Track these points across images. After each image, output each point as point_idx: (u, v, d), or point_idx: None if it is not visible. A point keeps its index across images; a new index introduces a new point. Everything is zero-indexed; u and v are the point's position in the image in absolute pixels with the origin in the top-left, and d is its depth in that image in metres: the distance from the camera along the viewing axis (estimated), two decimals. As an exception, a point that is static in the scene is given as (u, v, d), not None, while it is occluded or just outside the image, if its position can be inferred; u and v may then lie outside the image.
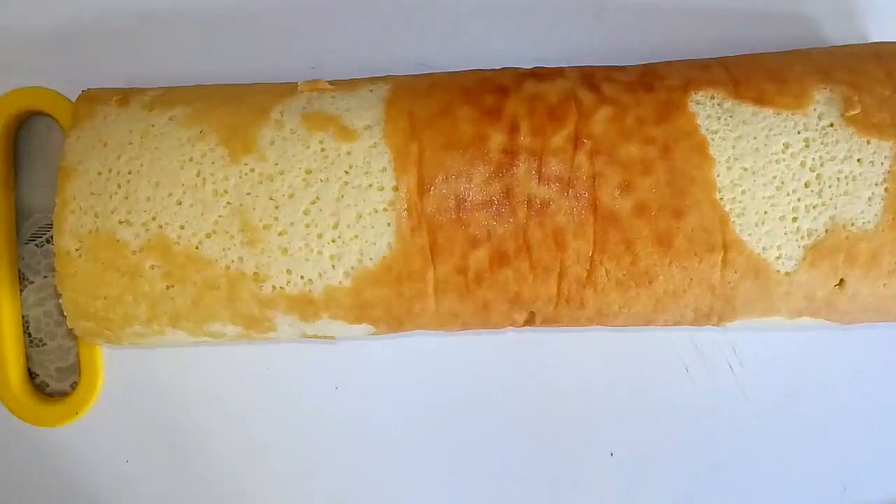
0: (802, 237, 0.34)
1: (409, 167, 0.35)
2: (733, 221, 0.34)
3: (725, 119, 0.35)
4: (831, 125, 0.35)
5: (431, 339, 0.42)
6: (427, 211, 0.34)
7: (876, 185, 0.34)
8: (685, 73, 0.36)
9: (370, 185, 0.35)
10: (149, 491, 0.42)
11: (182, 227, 0.35)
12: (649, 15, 0.42)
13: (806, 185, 0.34)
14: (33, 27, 0.42)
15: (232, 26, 0.42)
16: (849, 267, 0.34)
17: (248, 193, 0.35)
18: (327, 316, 0.36)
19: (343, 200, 0.35)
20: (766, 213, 0.34)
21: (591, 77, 0.36)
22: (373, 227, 0.35)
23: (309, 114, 0.36)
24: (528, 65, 0.38)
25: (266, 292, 0.35)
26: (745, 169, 0.34)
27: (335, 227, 0.35)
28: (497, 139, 0.35)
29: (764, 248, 0.34)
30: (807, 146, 0.34)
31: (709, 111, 0.35)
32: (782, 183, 0.34)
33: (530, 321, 0.37)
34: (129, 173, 0.36)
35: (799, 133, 0.35)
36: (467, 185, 0.34)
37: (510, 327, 0.38)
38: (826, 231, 0.34)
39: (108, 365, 0.42)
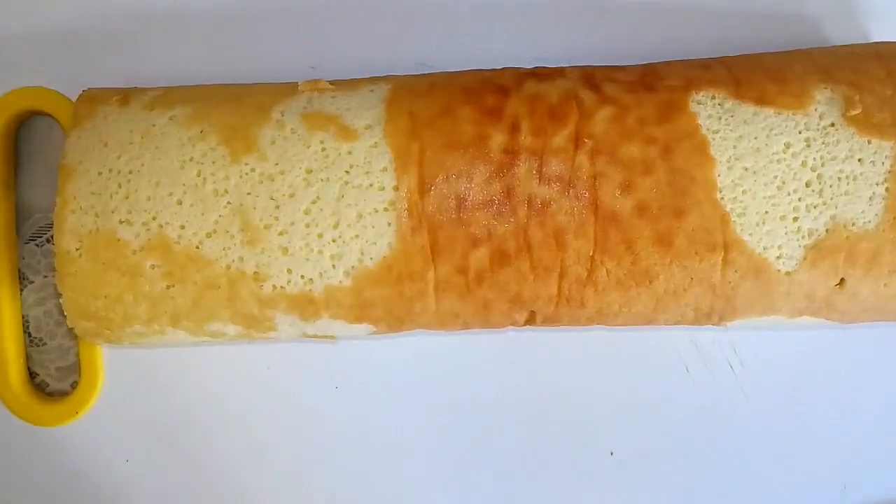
0: (803, 237, 0.34)
1: (410, 167, 0.35)
2: (734, 221, 0.34)
3: (726, 119, 0.35)
4: (832, 125, 0.35)
5: (431, 338, 0.42)
6: (428, 211, 0.34)
7: (877, 184, 0.34)
8: (686, 73, 0.36)
9: (371, 185, 0.35)
10: (149, 491, 0.42)
11: (182, 227, 0.35)
12: (650, 15, 0.42)
13: (807, 185, 0.34)
14: (33, 27, 0.42)
15: (232, 26, 0.42)
16: (849, 266, 0.34)
17: (249, 193, 0.35)
18: (327, 315, 0.36)
19: (343, 200, 0.35)
20: (766, 212, 0.34)
21: (591, 77, 0.36)
22: (373, 227, 0.35)
23: (309, 113, 0.36)
24: (528, 65, 0.38)
25: (266, 292, 0.35)
26: (746, 169, 0.34)
27: (336, 226, 0.35)
28: (498, 139, 0.35)
29: (764, 248, 0.34)
30: (808, 146, 0.34)
31: (710, 111, 0.35)
32: (783, 182, 0.34)
33: (531, 321, 0.37)
34: (130, 173, 0.36)
35: (800, 133, 0.35)
36: (468, 185, 0.34)
37: (511, 327, 0.37)
38: (827, 231, 0.34)
39: (108, 365, 0.42)
